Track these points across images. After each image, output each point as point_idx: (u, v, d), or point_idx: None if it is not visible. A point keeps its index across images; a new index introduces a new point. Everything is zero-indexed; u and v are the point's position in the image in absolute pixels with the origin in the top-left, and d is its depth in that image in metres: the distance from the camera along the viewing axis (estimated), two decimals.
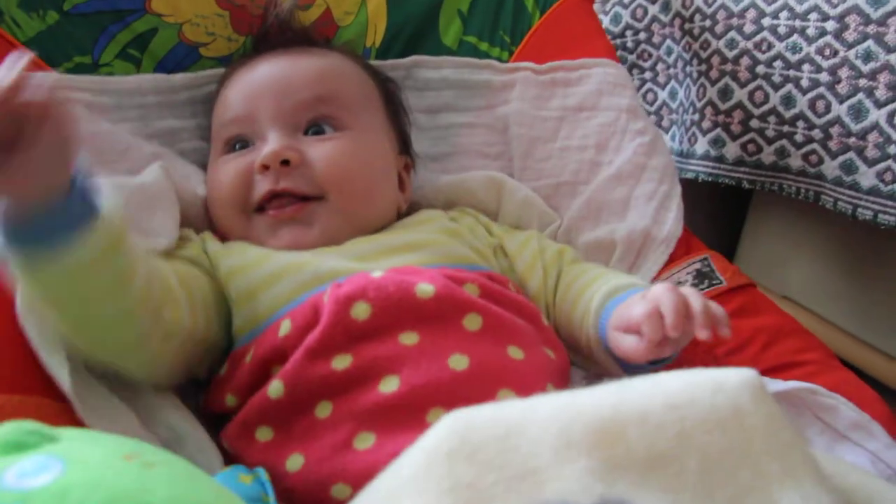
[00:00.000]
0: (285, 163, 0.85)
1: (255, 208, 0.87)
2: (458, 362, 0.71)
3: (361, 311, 0.73)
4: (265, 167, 0.85)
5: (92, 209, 0.62)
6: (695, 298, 0.73)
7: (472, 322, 0.75)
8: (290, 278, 0.79)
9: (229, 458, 0.75)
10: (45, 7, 0.94)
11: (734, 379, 0.50)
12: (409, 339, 0.73)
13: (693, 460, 0.47)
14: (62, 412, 0.66)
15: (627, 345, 0.77)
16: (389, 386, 0.70)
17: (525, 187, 1.03)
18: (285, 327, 0.75)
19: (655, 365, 0.80)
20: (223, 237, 0.90)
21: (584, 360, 0.90)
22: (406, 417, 0.68)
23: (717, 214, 1.51)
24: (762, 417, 0.49)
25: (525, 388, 0.71)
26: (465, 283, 0.79)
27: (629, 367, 0.82)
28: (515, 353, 0.76)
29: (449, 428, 0.48)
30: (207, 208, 0.92)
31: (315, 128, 0.89)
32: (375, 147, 0.93)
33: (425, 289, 0.74)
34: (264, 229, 0.86)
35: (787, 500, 0.46)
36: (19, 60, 0.55)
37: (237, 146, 0.90)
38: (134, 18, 1.00)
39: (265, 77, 0.91)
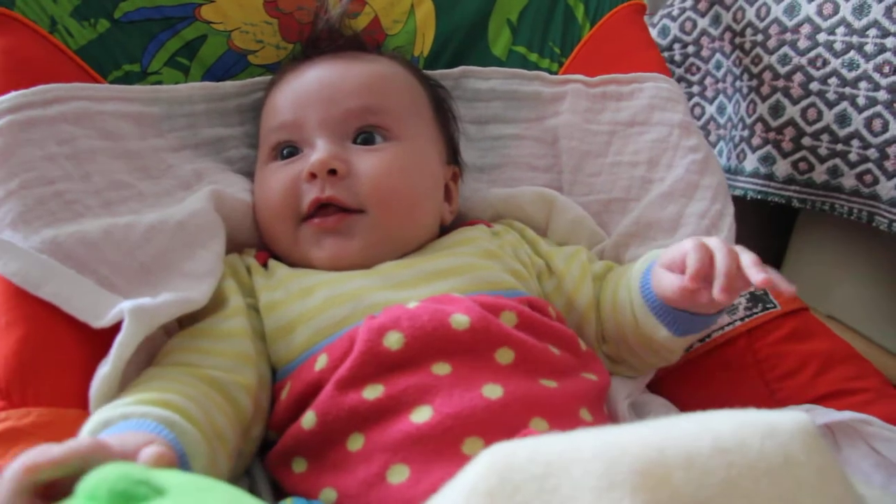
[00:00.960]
0: (332, 172, 0.84)
1: (303, 217, 0.86)
2: (492, 391, 0.70)
3: (394, 340, 0.72)
4: (313, 175, 0.85)
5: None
6: (748, 252, 0.73)
7: (505, 356, 0.74)
8: (329, 313, 0.78)
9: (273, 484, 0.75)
10: (97, 15, 0.94)
11: (787, 425, 0.48)
12: (441, 369, 0.72)
13: None
14: None
15: (668, 282, 0.78)
16: (422, 416, 0.68)
17: (576, 206, 1.01)
18: (322, 361, 0.74)
19: (700, 322, 0.81)
20: (268, 246, 0.90)
21: (635, 358, 0.89)
22: (440, 448, 0.67)
23: (762, 232, 1.49)
24: (813, 469, 0.47)
25: (558, 415, 0.71)
26: (502, 311, 0.78)
27: (678, 327, 0.82)
28: (548, 383, 0.74)
29: (487, 466, 0.46)
30: (255, 215, 0.92)
31: (364, 135, 0.89)
32: (423, 160, 0.92)
33: (460, 320, 0.73)
34: (309, 239, 0.86)
35: None
36: None
37: (285, 152, 0.90)
38: (183, 26, 1.00)
39: (314, 83, 0.91)
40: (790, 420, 0.48)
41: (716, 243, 0.74)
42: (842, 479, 0.48)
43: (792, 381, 0.91)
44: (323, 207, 0.85)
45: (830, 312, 1.40)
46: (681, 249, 0.76)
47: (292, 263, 0.88)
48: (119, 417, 0.60)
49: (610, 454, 0.46)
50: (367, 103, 0.89)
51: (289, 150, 0.90)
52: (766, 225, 1.47)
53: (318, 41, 1.00)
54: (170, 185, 0.89)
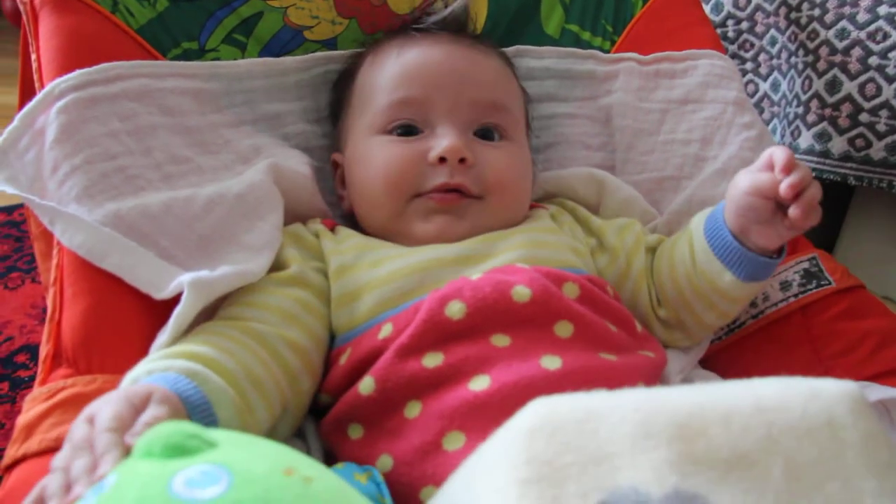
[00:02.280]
0: (462, 160, 0.86)
1: (417, 193, 0.87)
2: (551, 362, 0.71)
3: (456, 310, 0.73)
4: (442, 160, 0.86)
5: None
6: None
7: (564, 329, 0.75)
8: (397, 283, 0.79)
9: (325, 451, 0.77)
10: None
11: (832, 389, 0.48)
12: (500, 341, 0.73)
13: (778, 465, 0.45)
14: None
15: (754, 178, 0.80)
16: (480, 384, 0.69)
17: (626, 185, 1.02)
18: (386, 330, 0.76)
19: (763, 265, 0.83)
20: (357, 211, 0.93)
21: (689, 317, 0.90)
22: (497, 416, 0.66)
23: None
24: (859, 432, 0.47)
25: (618, 387, 0.71)
26: (565, 281, 0.79)
27: (742, 269, 0.83)
28: (608, 356, 0.75)
29: (532, 410, 0.48)
30: (346, 188, 0.95)
31: (484, 130, 0.91)
32: (528, 159, 0.96)
33: (522, 292, 0.74)
34: (419, 213, 0.87)
35: None
36: None
37: (399, 129, 0.90)
38: (240, 3, 1.01)
39: (446, 66, 0.91)
40: (835, 385, 0.49)
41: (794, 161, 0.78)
42: (889, 445, 0.48)
43: (846, 359, 0.90)
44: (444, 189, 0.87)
45: (887, 293, 1.39)
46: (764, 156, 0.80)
47: (376, 231, 0.90)
48: (145, 373, 0.62)
49: (649, 405, 0.48)
50: (494, 99, 0.92)
51: (405, 127, 0.90)
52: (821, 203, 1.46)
53: (439, 21, 1.02)
54: (228, 159, 0.90)
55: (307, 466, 0.47)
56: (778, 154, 0.78)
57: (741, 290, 0.85)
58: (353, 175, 0.93)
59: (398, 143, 0.89)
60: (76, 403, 0.67)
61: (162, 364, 0.63)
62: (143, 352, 0.70)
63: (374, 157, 0.89)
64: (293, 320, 0.77)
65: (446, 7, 1.03)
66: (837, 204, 1.45)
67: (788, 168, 0.76)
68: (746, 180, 0.80)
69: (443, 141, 0.86)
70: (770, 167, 0.79)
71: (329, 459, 0.77)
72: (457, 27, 1.01)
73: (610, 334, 0.78)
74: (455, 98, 0.89)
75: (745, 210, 0.80)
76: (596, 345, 0.76)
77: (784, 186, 0.75)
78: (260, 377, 0.70)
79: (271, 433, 0.72)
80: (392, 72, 0.92)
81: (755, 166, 0.81)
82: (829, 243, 1.47)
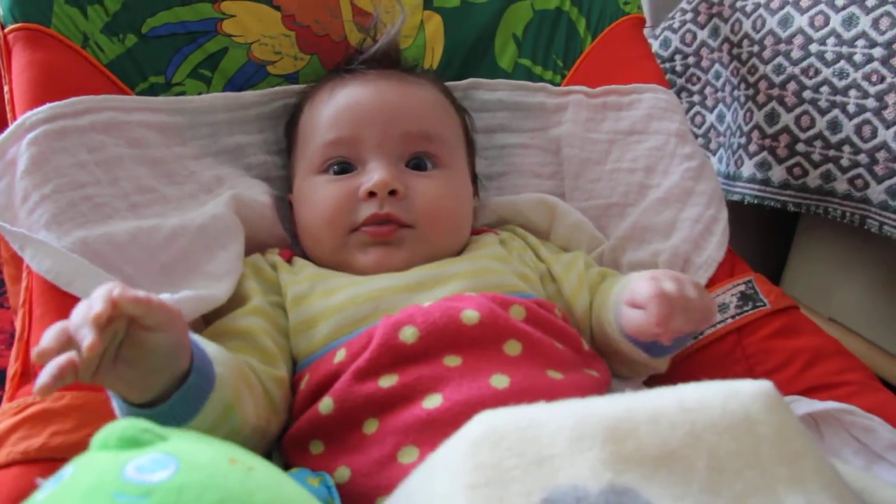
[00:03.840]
0: (392, 193, 0.90)
1: (354, 227, 0.91)
2: (500, 381, 0.74)
3: (409, 334, 0.77)
4: (371, 194, 0.90)
5: (209, 378, 0.66)
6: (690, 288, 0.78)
7: (513, 348, 0.79)
8: (350, 311, 0.83)
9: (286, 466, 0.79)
10: (125, 31, 1.00)
11: (749, 388, 0.53)
12: (452, 361, 0.76)
13: (701, 459, 0.50)
14: None
15: (635, 322, 0.81)
16: (433, 402, 0.73)
17: (576, 211, 1.06)
18: (340, 355, 0.79)
19: (674, 346, 0.86)
20: (304, 246, 0.96)
21: (624, 368, 0.93)
22: (449, 432, 0.68)
23: (765, 236, 1.52)
24: (773, 426, 0.51)
25: None
26: (512, 305, 0.82)
27: (653, 352, 0.86)
28: (554, 374, 0.79)
29: (478, 421, 0.53)
30: (293, 223, 0.98)
31: (416, 160, 0.94)
32: (464, 185, 0.99)
33: (471, 315, 0.78)
34: (357, 246, 0.91)
35: (791, 500, 0.48)
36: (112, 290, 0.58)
37: (336, 167, 0.94)
38: (206, 39, 1.05)
39: (374, 102, 0.95)
40: (751, 384, 0.53)
41: (668, 282, 0.78)
42: (801, 436, 0.52)
43: (779, 375, 0.94)
44: (375, 221, 0.90)
45: (832, 315, 1.43)
46: (641, 293, 0.79)
47: (325, 263, 0.93)
48: None
49: (584, 412, 0.52)
50: (423, 129, 0.95)
51: (341, 165, 0.94)
52: (767, 229, 1.51)
53: (369, 59, 1.04)
54: (192, 189, 0.94)
55: (251, 458, 0.51)
56: (652, 309, 0.77)
57: (659, 362, 0.91)
58: (298, 214, 0.97)
59: (333, 181, 0.93)
60: (44, 419, 0.70)
61: None
62: None
63: (312, 196, 0.94)
64: (274, 358, 0.81)
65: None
66: (784, 230, 1.50)
67: (662, 325, 0.76)
68: (633, 323, 0.82)
69: (373, 175, 0.90)
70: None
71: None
72: (388, 62, 1.04)
73: (557, 352, 0.81)
74: (384, 132, 0.93)
75: (637, 336, 0.83)
76: (543, 363, 0.79)
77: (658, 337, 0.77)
78: (250, 380, 0.74)
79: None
80: (325, 114, 0.96)
81: (632, 297, 0.82)
82: (778, 268, 1.51)
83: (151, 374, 0.61)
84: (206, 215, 0.90)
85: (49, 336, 0.56)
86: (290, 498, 0.51)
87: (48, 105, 0.88)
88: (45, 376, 0.54)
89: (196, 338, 0.67)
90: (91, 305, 0.56)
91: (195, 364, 0.64)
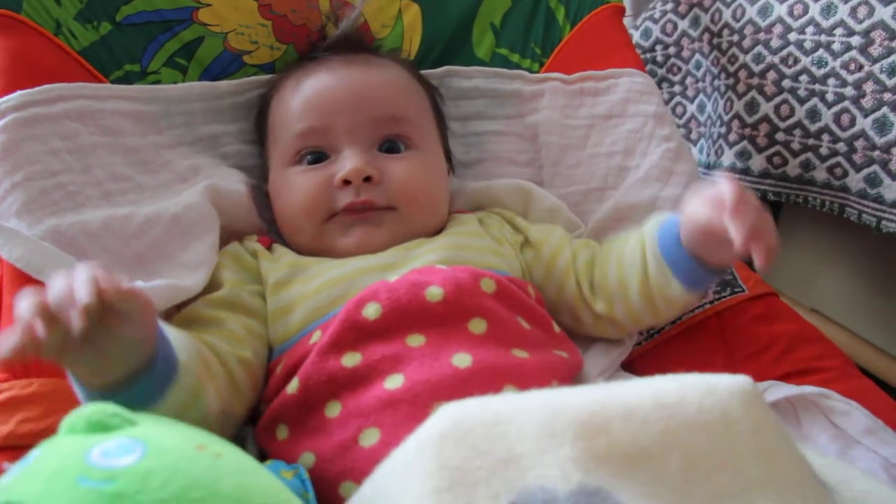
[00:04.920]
0: (367, 179, 0.90)
1: (332, 214, 0.91)
2: (462, 360, 0.74)
3: (372, 311, 0.77)
4: (346, 182, 0.90)
5: (173, 365, 0.66)
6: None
7: (477, 326, 0.79)
8: (325, 293, 0.83)
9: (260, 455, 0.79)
10: (99, 18, 1.00)
11: (726, 384, 0.52)
12: (415, 340, 0.76)
13: (675, 458, 0.49)
14: None
15: (706, 216, 0.77)
16: (394, 383, 0.73)
17: (551, 195, 1.05)
18: (315, 337, 0.79)
19: (710, 278, 0.86)
20: (283, 235, 0.96)
21: (623, 315, 0.92)
22: (410, 413, 0.70)
23: None
24: (750, 424, 0.50)
25: (529, 384, 0.72)
26: (483, 278, 0.82)
27: (689, 279, 0.85)
28: (520, 353, 0.78)
29: (442, 415, 0.51)
30: (273, 213, 0.97)
31: (388, 144, 0.94)
32: (438, 164, 0.99)
33: (435, 292, 0.78)
34: (337, 229, 0.91)
35: (763, 503, 0.48)
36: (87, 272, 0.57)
37: (309, 157, 0.94)
38: (181, 28, 1.05)
39: (340, 90, 0.95)
40: (729, 380, 0.52)
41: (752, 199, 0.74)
42: (777, 434, 0.52)
43: (758, 360, 0.94)
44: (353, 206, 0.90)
45: (814, 306, 1.44)
46: (720, 191, 0.74)
47: (305, 251, 0.92)
48: None
49: (553, 406, 0.51)
50: (392, 112, 0.94)
51: (314, 155, 0.94)
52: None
53: (325, 43, 1.05)
54: (167, 178, 0.93)
55: (219, 445, 0.51)
56: (726, 193, 0.73)
57: (684, 298, 0.88)
58: (275, 206, 0.97)
59: (308, 171, 0.92)
60: (12, 406, 0.70)
61: None
62: None
63: (288, 188, 0.94)
64: (241, 341, 0.81)
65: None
66: None
67: (737, 211, 0.71)
68: (702, 218, 0.78)
69: (346, 163, 0.90)
70: (720, 205, 0.74)
71: (263, 462, 0.80)
72: (351, 47, 1.04)
73: (523, 332, 0.81)
74: (353, 119, 0.92)
75: (699, 241, 0.81)
76: (508, 342, 0.79)
77: (739, 243, 0.70)
78: (210, 363, 0.74)
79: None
80: (293, 104, 0.96)
81: (707, 198, 0.77)
82: None
83: (116, 360, 0.61)
84: (180, 205, 0.89)
85: (29, 308, 0.55)
86: (257, 484, 0.50)
87: (19, 92, 0.87)
88: (16, 340, 0.54)
89: (161, 324, 0.66)
90: (75, 287, 0.55)
91: (160, 353, 0.64)
